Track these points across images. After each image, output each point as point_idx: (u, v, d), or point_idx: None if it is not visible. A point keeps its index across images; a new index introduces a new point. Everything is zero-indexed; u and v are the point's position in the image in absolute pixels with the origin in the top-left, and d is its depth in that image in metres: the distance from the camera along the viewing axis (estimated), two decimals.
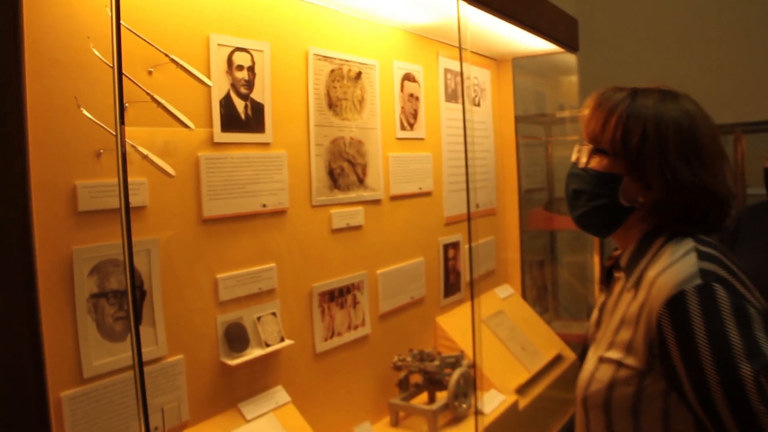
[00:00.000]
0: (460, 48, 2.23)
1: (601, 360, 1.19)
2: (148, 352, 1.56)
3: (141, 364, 1.32)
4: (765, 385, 1.00)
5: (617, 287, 1.26)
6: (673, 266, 1.11)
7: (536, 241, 3.95)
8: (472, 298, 2.42)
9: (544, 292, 4.15)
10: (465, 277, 3.01)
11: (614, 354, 1.17)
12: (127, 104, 1.51)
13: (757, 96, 4.32)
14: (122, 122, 1.02)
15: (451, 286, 2.89)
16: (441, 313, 2.82)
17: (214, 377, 1.75)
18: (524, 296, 3.52)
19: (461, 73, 2.58)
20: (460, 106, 2.96)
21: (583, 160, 1.25)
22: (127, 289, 1.42)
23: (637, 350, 1.13)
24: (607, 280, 1.32)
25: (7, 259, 1.25)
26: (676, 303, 1.05)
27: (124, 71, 1.39)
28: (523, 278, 3.57)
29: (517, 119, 3.46)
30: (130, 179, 1.50)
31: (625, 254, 1.25)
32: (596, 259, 3.48)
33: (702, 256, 1.11)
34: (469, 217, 2.41)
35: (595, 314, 1.34)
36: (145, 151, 1.42)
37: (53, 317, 1.39)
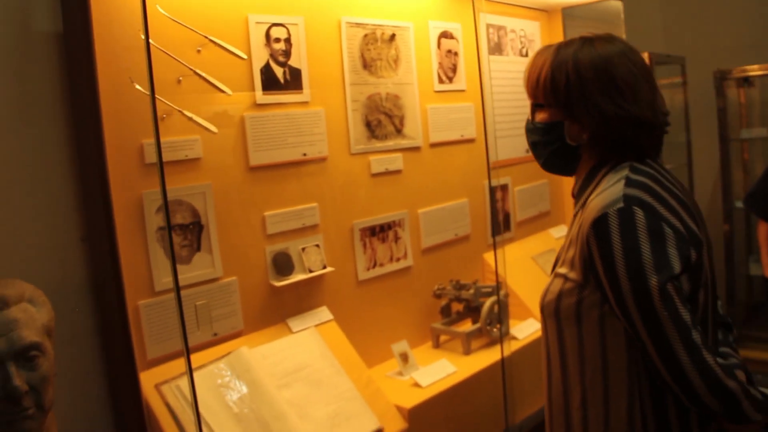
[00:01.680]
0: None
1: (555, 275, 1.39)
2: (206, 274, 1.98)
3: (178, 286, 1.72)
4: (670, 294, 1.17)
5: (573, 212, 1.45)
6: (604, 192, 1.27)
7: None
8: (494, 238, 2.66)
9: None
10: (515, 217, 3.24)
11: (563, 269, 1.36)
12: (180, 78, 1.90)
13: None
14: (153, 93, 1.38)
15: (499, 226, 3.13)
16: (489, 250, 3.08)
17: (264, 297, 2.14)
18: None
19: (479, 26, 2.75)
20: (504, 58, 3.16)
21: (530, 116, 1.46)
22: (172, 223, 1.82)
23: (576, 265, 1.30)
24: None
25: (91, 200, 1.69)
26: (599, 223, 1.22)
27: (173, 53, 1.77)
28: None
29: None
30: (185, 137, 1.91)
31: (577, 185, 1.46)
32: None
33: (629, 183, 1.26)
34: (488, 164, 2.64)
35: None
36: (189, 114, 1.81)
37: (131, 245, 1.82)
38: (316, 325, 2.23)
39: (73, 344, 1.74)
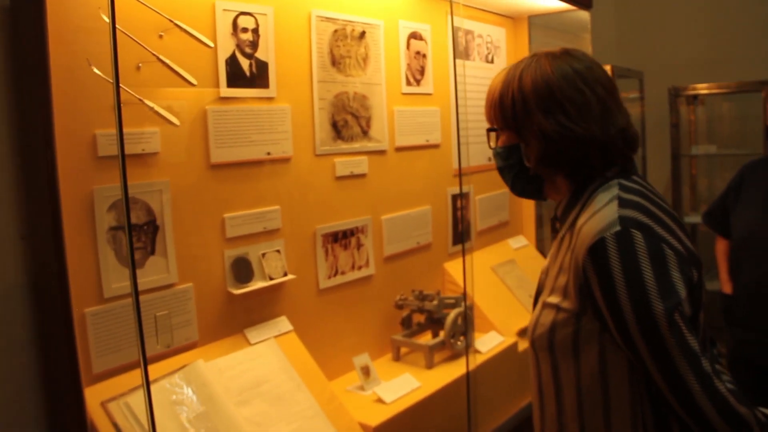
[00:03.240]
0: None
1: (544, 305, 1.29)
2: (160, 279, 1.82)
3: (136, 291, 1.56)
4: (677, 321, 1.10)
5: (558, 236, 1.37)
6: (597, 214, 1.19)
7: None
8: (463, 244, 2.59)
9: None
10: (475, 227, 3.18)
11: (554, 298, 1.26)
12: (140, 64, 1.73)
13: (747, 57, 4.24)
14: (117, 80, 1.22)
15: (460, 235, 3.06)
16: (449, 259, 3.00)
17: (221, 305, 1.99)
18: (540, 248, 3.66)
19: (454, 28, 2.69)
20: (471, 63, 3.09)
21: (491, 142, 1.41)
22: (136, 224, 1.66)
23: (570, 294, 1.22)
24: (556, 231, 1.42)
25: (35, 194, 1.51)
26: (596, 249, 1.14)
27: (135, 36, 1.61)
28: (538, 230, 3.70)
29: None
30: (143, 129, 1.74)
31: (560, 206, 1.37)
32: None
33: (623, 203, 1.19)
34: (460, 171, 2.57)
35: (546, 262, 1.44)
36: (150, 104, 1.65)
37: (78, 246, 1.64)
38: (275, 336, 2.09)
39: (7, 355, 1.55)
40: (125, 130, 1.69)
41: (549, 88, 1.24)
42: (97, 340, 1.67)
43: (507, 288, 3.09)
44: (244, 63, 2.00)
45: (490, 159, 3.43)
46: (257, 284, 2.06)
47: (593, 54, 3.60)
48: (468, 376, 2.40)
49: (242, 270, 2.03)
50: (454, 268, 3.00)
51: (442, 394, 2.29)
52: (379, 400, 2.15)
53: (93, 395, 1.62)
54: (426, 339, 2.61)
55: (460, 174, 2.56)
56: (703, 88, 4.31)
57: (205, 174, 1.93)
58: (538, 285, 1.45)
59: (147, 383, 1.34)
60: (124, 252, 1.74)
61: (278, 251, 2.14)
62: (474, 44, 3.12)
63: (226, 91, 1.96)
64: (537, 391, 1.36)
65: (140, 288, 1.76)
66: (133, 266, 1.33)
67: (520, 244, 3.48)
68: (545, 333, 1.27)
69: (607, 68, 3.50)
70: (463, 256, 2.55)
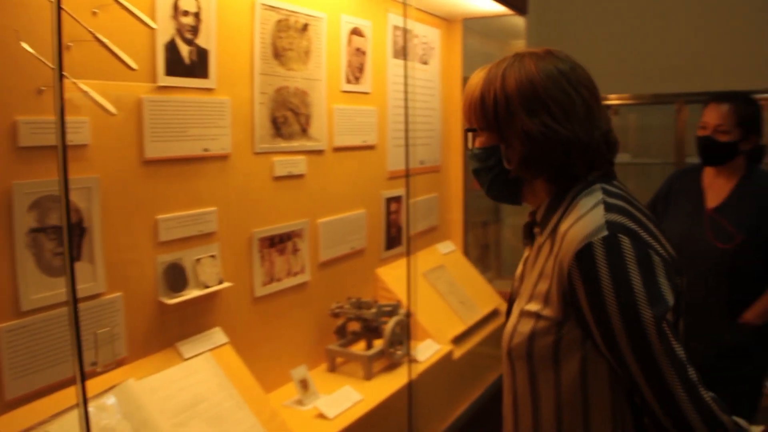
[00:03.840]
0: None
1: (522, 313, 1.24)
2: (86, 288, 1.60)
3: (75, 300, 1.37)
4: (665, 329, 1.07)
5: (537, 242, 1.31)
6: (582, 219, 1.16)
7: (481, 201, 4.06)
8: (408, 248, 2.51)
9: (486, 251, 4.30)
10: (408, 232, 3.10)
11: (533, 306, 1.22)
12: (70, 44, 1.52)
13: (699, 67, 4.48)
14: (60, 57, 1.04)
15: (392, 239, 2.98)
16: (381, 265, 2.91)
17: (152, 316, 1.80)
18: (466, 254, 3.64)
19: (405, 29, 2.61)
20: (409, 63, 3.01)
21: (470, 144, 1.34)
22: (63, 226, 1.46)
23: (552, 301, 1.18)
24: (530, 237, 1.36)
25: None
26: (583, 254, 1.11)
27: (68, 9, 1.40)
28: (466, 236, 3.68)
29: (465, 81, 3.53)
30: (71, 118, 1.53)
31: (540, 210, 1.30)
32: None
33: (609, 207, 1.15)
34: (407, 172, 2.49)
35: (519, 269, 1.39)
36: (85, 88, 1.44)
37: None
38: (210, 350, 1.91)
39: None
40: (49, 117, 1.49)
41: (534, 88, 1.20)
42: (12, 360, 1.45)
43: (439, 294, 3.04)
44: (184, 49, 1.82)
45: (422, 162, 3.39)
46: (192, 293, 1.87)
47: None
48: (410, 386, 2.32)
49: (176, 277, 1.84)
50: (387, 274, 2.91)
51: (384, 406, 2.19)
52: (321, 416, 2.03)
53: (6, 425, 1.40)
54: (360, 348, 2.51)
55: (408, 175, 2.47)
56: (615, 99, 4.48)
57: (138, 170, 1.73)
58: (510, 293, 1.39)
59: (85, 406, 1.15)
60: (46, 257, 1.52)
61: (213, 257, 1.97)
62: (410, 45, 3.04)
63: (164, 79, 1.76)
64: (511, 403, 1.30)
65: (62, 299, 1.55)
66: (72, 273, 1.14)
67: (448, 249, 3.44)
68: (523, 342, 1.22)
69: None
70: (408, 263, 2.47)
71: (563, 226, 1.20)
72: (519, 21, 3.24)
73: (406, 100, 2.41)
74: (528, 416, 1.26)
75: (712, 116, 2.54)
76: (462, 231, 3.62)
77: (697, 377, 1.09)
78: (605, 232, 1.10)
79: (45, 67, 1.46)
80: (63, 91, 1.11)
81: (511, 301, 1.38)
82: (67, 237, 1.12)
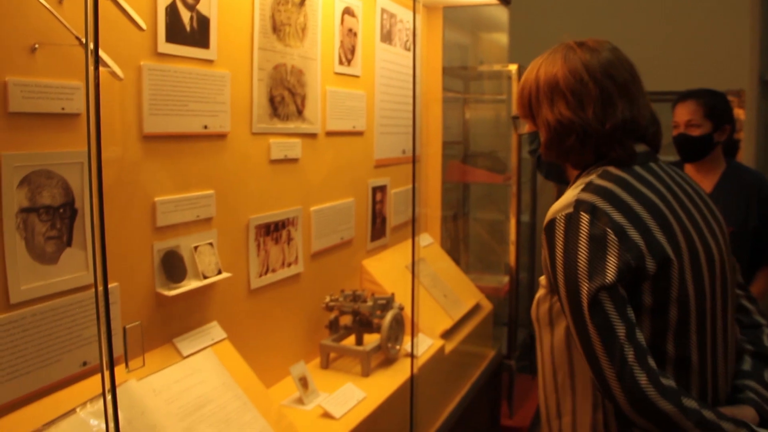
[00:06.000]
0: None
1: (539, 283, 1.38)
2: (78, 278, 1.42)
3: (106, 285, 1.20)
4: (601, 302, 1.13)
5: None
6: (563, 196, 1.26)
7: (451, 194, 3.98)
8: (414, 238, 2.39)
9: (457, 244, 4.22)
10: (390, 222, 2.98)
11: (543, 278, 1.35)
12: None
13: (665, 66, 4.51)
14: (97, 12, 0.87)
15: (377, 230, 2.85)
16: (367, 256, 2.78)
17: (149, 310, 1.62)
18: (445, 247, 3.55)
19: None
20: (393, 48, 2.89)
21: (518, 130, 1.48)
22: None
23: (546, 271, 1.29)
24: None
25: None
26: (548, 228, 1.22)
27: None
28: (444, 228, 3.59)
29: (444, 70, 3.44)
30: (63, 81, 1.35)
31: None
32: (513, 220, 3.54)
33: (587, 187, 1.22)
34: (414, 159, 2.37)
35: None
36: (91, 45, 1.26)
37: None
38: (209, 346, 1.75)
39: None
40: (39, 79, 1.30)
41: (556, 79, 1.28)
42: (1, 361, 1.25)
43: (424, 288, 2.93)
44: (185, 15, 1.64)
45: (404, 151, 3.27)
46: (191, 284, 1.70)
47: (510, 51, 3.58)
48: (412, 381, 2.20)
49: (174, 266, 1.67)
50: (373, 265, 2.79)
51: (388, 403, 2.07)
52: (327, 415, 1.89)
53: None
54: (350, 343, 2.37)
55: (414, 162, 2.34)
56: None
57: (136, 146, 1.55)
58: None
59: (115, 406, 0.98)
60: (38, 242, 1.33)
61: (211, 244, 1.80)
62: (396, 29, 2.92)
63: (164, 46, 1.59)
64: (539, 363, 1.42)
65: (52, 290, 1.37)
66: (104, 253, 0.96)
67: (427, 242, 3.34)
68: (534, 308, 1.37)
69: (514, 67, 3.46)
70: (413, 253, 2.34)
71: None
72: (501, 12, 3.16)
73: (414, 84, 2.29)
74: (541, 377, 1.40)
75: (681, 113, 2.54)
76: (439, 224, 3.52)
77: (637, 357, 1.12)
78: (570, 210, 1.19)
79: (39, 21, 1.28)
80: (98, 47, 0.94)
81: None
82: (98, 222, 0.95)
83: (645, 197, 1.22)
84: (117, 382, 1.42)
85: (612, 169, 1.26)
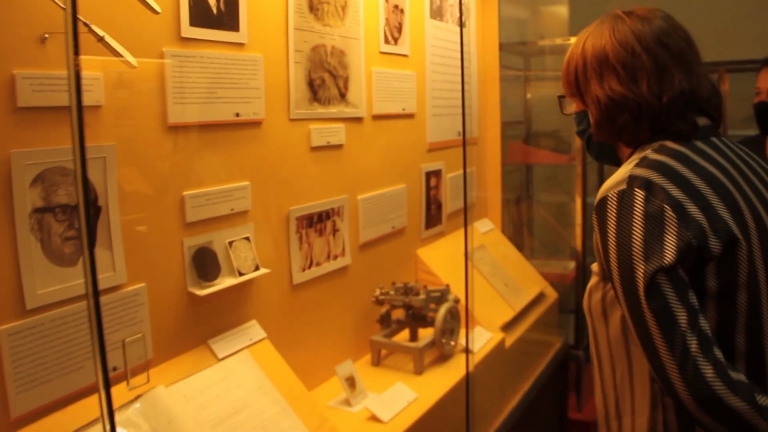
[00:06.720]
0: None
1: (591, 271, 1.27)
2: (104, 279, 1.34)
3: (97, 292, 1.10)
4: (659, 285, 1.01)
5: None
6: (613, 175, 1.15)
7: (513, 176, 3.79)
8: (465, 226, 2.25)
9: (520, 229, 4.03)
10: (446, 208, 2.83)
11: (595, 264, 1.24)
12: None
13: (741, 35, 4.16)
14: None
15: (432, 217, 2.71)
16: (422, 245, 2.65)
17: (180, 310, 1.53)
18: (507, 233, 3.37)
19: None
20: (445, 24, 2.72)
21: (563, 109, 1.37)
22: (78, 204, 1.20)
23: (598, 257, 1.18)
24: None
25: None
26: (599, 207, 1.11)
27: None
28: (506, 213, 3.42)
29: (501, 47, 3.25)
30: (83, 72, 1.25)
31: None
32: (578, 202, 3.32)
33: (642, 162, 1.11)
34: (464, 142, 2.22)
35: None
36: (101, 33, 1.17)
37: None
38: (247, 347, 1.66)
39: None
40: (52, 71, 1.22)
41: (605, 52, 1.18)
42: (18, 369, 1.19)
43: (483, 277, 2.77)
44: None
45: (459, 133, 3.11)
46: (225, 282, 1.61)
47: (570, 24, 3.35)
48: (467, 379, 2.06)
49: (207, 264, 1.58)
50: (427, 255, 2.65)
51: (441, 404, 1.93)
52: (374, 418, 1.77)
53: None
54: (404, 338, 2.25)
55: (464, 145, 2.19)
56: None
57: (160, 138, 1.46)
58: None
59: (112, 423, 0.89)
60: (55, 243, 1.25)
61: (247, 239, 1.70)
62: (447, 4, 2.75)
63: (188, 30, 1.49)
64: (594, 356, 1.31)
65: (74, 293, 1.29)
66: (92, 257, 0.87)
67: (487, 228, 3.17)
68: (587, 298, 1.26)
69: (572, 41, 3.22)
70: (465, 243, 2.19)
71: None
72: None
73: (462, 61, 2.12)
74: (597, 373, 1.28)
75: (766, 79, 2.26)
76: (500, 209, 3.35)
77: (701, 347, 0.99)
78: (623, 186, 1.09)
79: (49, 9, 1.19)
80: (77, 39, 0.83)
81: None
82: (84, 208, 0.85)
83: (707, 172, 1.10)
84: (142, 389, 1.34)
85: (670, 144, 1.15)
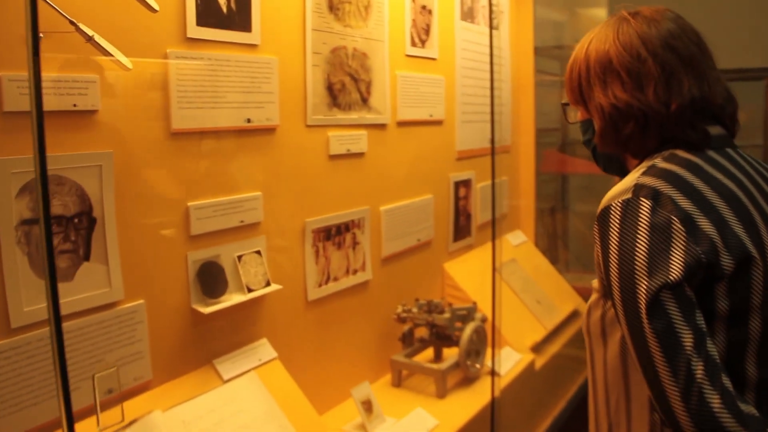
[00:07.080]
0: None
1: (592, 288, 1.18)
2: (98, 296, 1.25)
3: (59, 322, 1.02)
4: (663, 303, 0.93)
5: None
6: (618, 183, 1.06)
7: (548, 186, 3.65)
8: (494, 240, 2.12)
9: (554, 241, 3.87)
10: (476, 220, 2.70)
11: (595, 281, 1.14)
12: None
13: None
14: None
15: (461, 229, 2.59)
16: (449, 259, 2.52)
17: (183, 328, 1.44)
18: (540, 246, 3.23)
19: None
20: (476, 26, 2.60)
21: (568, 118, 1.28)
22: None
23: (599, 272, 1.09)
24: None
25: None
26: (601, 217, 1.02)
27: None
28: (539, 225, 3.27)
29: (536, 51, 3.11)
30: (75, 74, 1.18)
31: None
32: None
33: (651, 171, 1.02)
34: (493, 151, 2.09)
35: None
36: (90, 32, 1.08)
37: None
38: (256, 368, 1.56)
39: None
40: (48, 74, 1.14)
41: (608, 57, 1.10)
42: (2, 392, 1.10)
43: (514, 293, 2.63)
44: None
45: (491, 141, 2.98)
46: (232, 299, 1.51)
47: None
48: (493, 405, 1.93)
49: (213, 279, 1.48)
50: (455, 269, 2.53)
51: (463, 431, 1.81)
52: None
53: None
54: (428, 358, 2.13)
55: (493, 154, 2.07)
56: None
57: (162, 145, 1.37)
58: None
59: None
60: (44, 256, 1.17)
61: (258, 252, 1.60)
62: (479, 5, 2.63)
63: (194, 30, 1.40)
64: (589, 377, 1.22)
65: (69, 309, 1.21)
66: (53, 278, 0.78)
67: (519, 240, 3.03)
68: (585, 316, 1.18)
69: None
70: (493, 257, 2.06)
71: None
72: None
73: (491, 65, 2.00)
74: (591, 397, 1.18)
75: None
76: (533, 220, 3.20)
77: (707, 373, 0.90)
78: (628, 195, 1.00)
79: (39, 8, 1.11)
80: (37, 38, 0.74)
81: None
82: (45, 230, 0.76)
83: (720, 184, 1.02)
84: (139, 412, 1.25)
85: (680, 152, 1.06)
